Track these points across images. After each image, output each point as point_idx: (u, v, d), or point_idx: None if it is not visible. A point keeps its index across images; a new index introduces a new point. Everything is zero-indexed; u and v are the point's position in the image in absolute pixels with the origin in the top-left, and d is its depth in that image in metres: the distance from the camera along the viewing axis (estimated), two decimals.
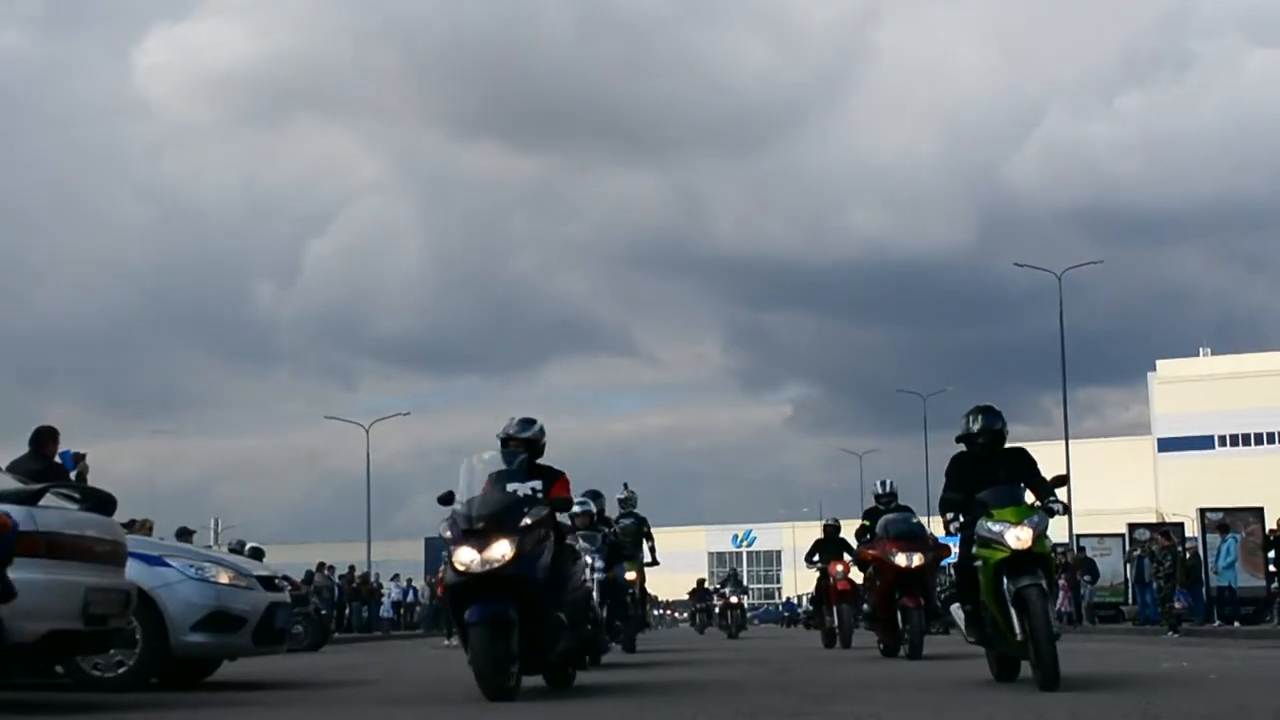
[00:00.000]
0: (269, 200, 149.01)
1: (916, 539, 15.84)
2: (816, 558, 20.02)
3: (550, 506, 9.50)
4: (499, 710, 8.27)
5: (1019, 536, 9.15)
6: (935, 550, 15.94)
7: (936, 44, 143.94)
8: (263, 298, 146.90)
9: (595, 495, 16.61)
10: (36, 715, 8.31)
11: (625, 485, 21.05)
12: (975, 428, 10.05)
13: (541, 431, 10.43)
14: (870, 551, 16.36)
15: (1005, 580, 9.18)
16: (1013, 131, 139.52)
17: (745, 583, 44.24)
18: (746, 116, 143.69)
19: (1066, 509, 9.96)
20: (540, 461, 10.25)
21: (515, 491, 9.38)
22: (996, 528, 9.29)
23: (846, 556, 19.36)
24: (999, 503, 9.46)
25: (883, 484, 18.10)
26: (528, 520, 9.09)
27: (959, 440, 10.21)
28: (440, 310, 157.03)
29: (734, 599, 36.38)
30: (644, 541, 20.41)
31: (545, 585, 9.09)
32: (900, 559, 15.36)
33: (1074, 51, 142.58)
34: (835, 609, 19.34)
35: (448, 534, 9.15)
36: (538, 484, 9.55)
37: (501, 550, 8.84)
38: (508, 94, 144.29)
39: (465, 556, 8.88)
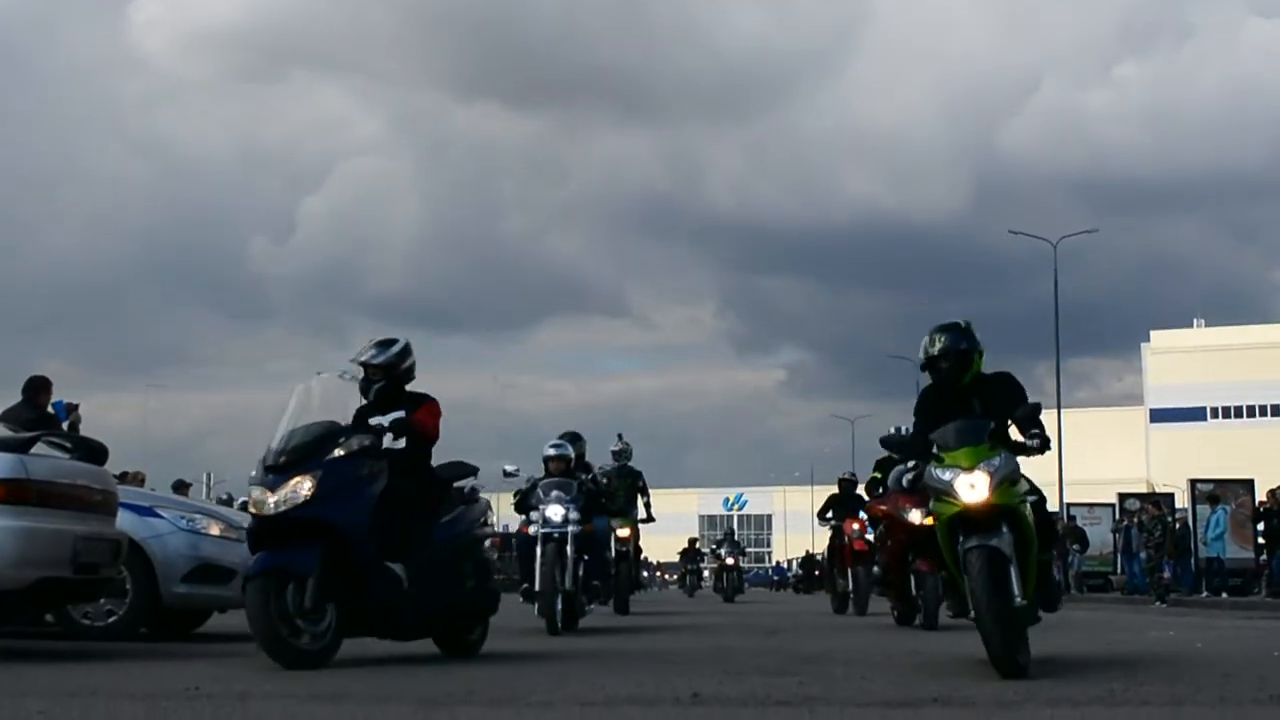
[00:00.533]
0: (264, 157, 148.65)
1: None
2: (830, 515, 18.45)
3: (378, 435, 8.24)
4: (489, 668, 8.28)
5: (972, 485, 7.32)
6: None
7: (934, 10, 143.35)
8: (257, 254, 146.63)
9: (574, 438, 14.95)
10: (26, 663, 8.32)
11: (619, 436, 19.79)
12: (935, 350, 8.11)
13: (403, 354, 9.04)
14: (881, 507, 14.44)
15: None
16: (1010, 99, 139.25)
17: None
18: (743, 80, 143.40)
19: (1046, 444, 7.81)
20: (410, 389, 9.05)
21: (379, 424, 8.37)
22: (946, 476, 7.44)
23: (863, 514, 17.61)
24: (951, 443, 7.55)
25: (899, 430, 14.94)
26: (339, 452, 7.93)
27: (923, 369, 8.32)
28: (434, 269, 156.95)
29: (730, 560, 34.21)
30: (639, 496, 19.29)
31: (363, 530, 7.85)
32: (914, 516, 13.30)
33: (1072, 19, 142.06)
34: (850, 571, 17.97)
35: (253, 473, 8.04)
36: (400, 414, 8.57)
37: (300, 489, 7.69)
38: (504, 55, 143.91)
39: (257, 496, 7.83)
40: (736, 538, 38.51)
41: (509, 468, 12.54)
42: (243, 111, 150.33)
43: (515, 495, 13.64)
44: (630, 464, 19.44)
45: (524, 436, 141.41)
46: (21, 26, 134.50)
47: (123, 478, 14.67)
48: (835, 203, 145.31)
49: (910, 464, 8.41)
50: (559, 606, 12.47)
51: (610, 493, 18.50)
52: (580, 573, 13.18)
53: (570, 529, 12.97)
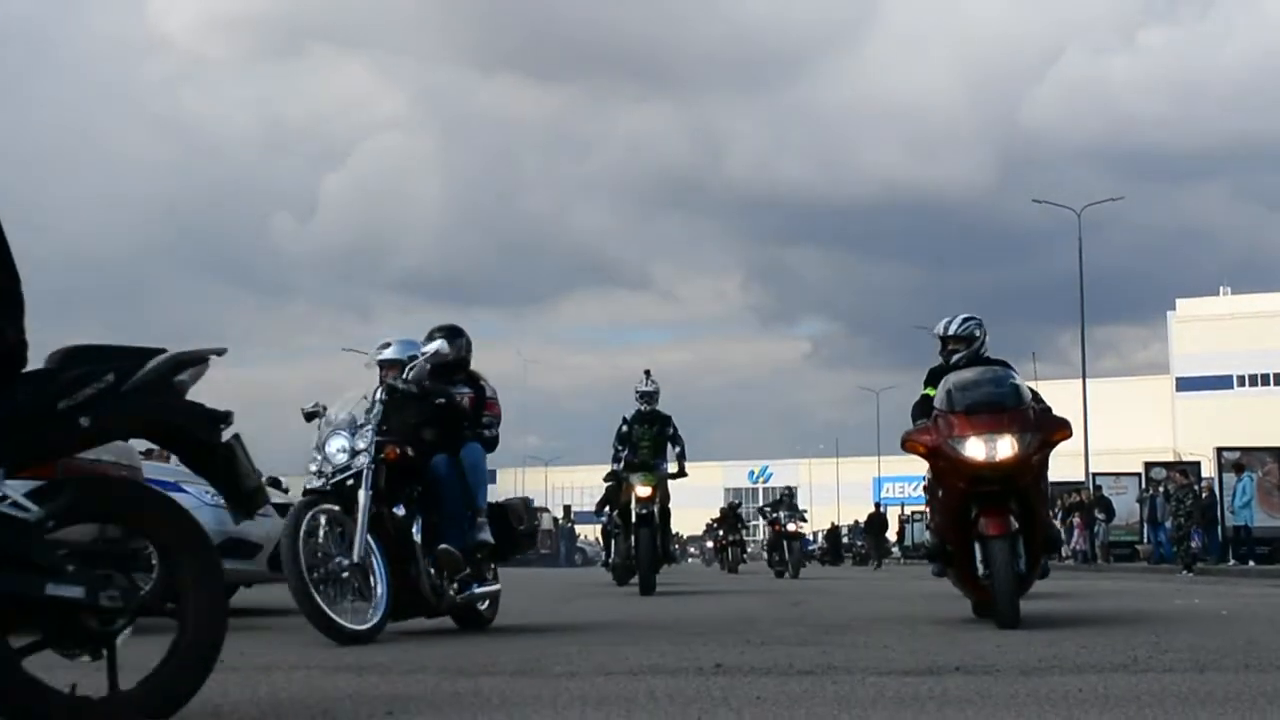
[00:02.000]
0: (287, 134, 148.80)
1: (1007, 411, 8.74)
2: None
3: None
4: (512, 639, 8.30)
5: None
6: (1040, 433, 8.73)
7: None
8: (280, 231, 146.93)
9: (452, 333, 9.39)
10: None
11: (647, 374, 16.79)
12: None
13: None
14: (924, 438, 8.92)
15: None
16: (1033, 68, 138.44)
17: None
18: (765, 52, 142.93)
19: None
20: None
21: None
22: None
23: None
24: None
25: (962, 322, 9.99)
26: None
27: None
28: (457, 244, 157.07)
29: (791, 526, 27.13)
30: (668, 446, 16.36)
31: None
32: (973, 448, 8.57)
33: None
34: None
35: None
36: None
37: None
38: (526, 30, 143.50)
39: None
40: (797, 499, 29.57)
41: (307, 407, 8.71)
42: (264, 89, 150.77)
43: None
44: (658, 408, 16.48)
45: (548, 411, 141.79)
46: (43, 8, 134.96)
47: (148, 454, 14.73)
48: (859, 174, 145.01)
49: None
50: (345, 601, 7.90)
51: (634, 442, 16.25)
52: (413, 534, 8.47)
53: (361, 462, 8.22)
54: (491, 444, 9.37)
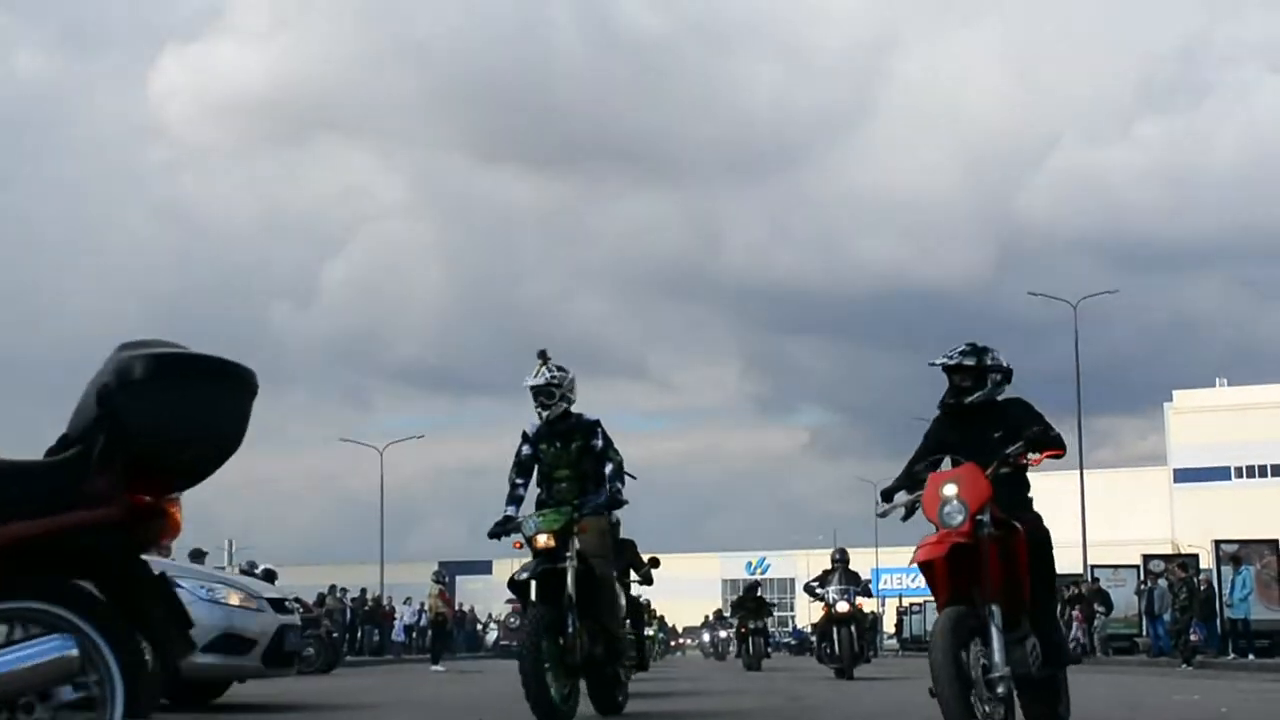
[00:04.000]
0: (286, 222, 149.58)
1: None
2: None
3: None
4: None
5: None
6: None
7: (953, 71, 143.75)
8: (279, 319, 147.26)
9: None
10: None
11: (543, 357, 9.60)
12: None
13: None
14: None
15: None
16: (1029, 159, 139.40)
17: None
18: (762, 143, 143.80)
19: None
20: None
21: None
22: None
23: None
24: None
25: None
26: None
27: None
28: (456, 333, 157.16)
29: (843, 606, 20.02)
30: (593, 462, 9.64)
31: None
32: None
33: (1091, 78, 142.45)
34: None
35: None
36: None
37: None
38: (527, 119, 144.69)
39: None
40: (849, 562, 21.36)
41: None
42: (264, 176, 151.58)
43: None
44: (574, 411, 9.68)
45: None
46: (44, 95, 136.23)
47: None
48: (856, 263, 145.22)
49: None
50: None
51: (544, 472, 9.63)
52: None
53: None
54: None
